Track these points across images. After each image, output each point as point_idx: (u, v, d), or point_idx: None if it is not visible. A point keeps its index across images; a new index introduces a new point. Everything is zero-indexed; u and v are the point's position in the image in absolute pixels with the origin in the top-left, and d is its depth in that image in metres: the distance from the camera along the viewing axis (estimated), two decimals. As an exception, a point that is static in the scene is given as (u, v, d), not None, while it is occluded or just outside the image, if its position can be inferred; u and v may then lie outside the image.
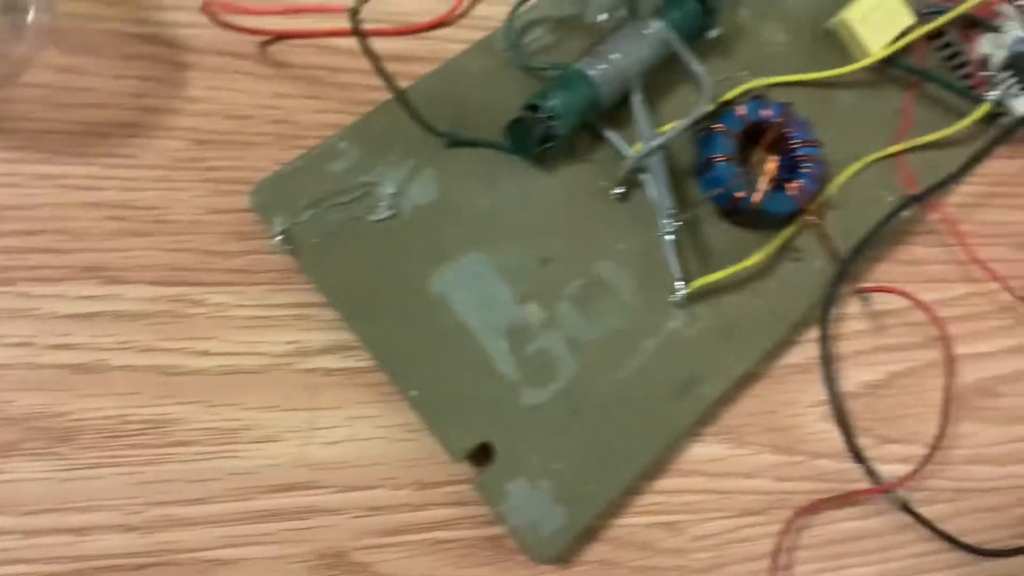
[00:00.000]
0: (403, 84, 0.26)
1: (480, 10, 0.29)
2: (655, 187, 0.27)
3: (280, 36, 0.27)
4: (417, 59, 0.28)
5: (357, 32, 0.22)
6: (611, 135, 0.28)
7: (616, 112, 0.28)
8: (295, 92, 0.27)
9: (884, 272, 0.31)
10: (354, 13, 0.22)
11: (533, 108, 0.26)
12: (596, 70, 0.27)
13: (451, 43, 0.28)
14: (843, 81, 0.31)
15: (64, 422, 0.23)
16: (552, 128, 0.26)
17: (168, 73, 0.26)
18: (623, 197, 0.28)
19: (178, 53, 0.26)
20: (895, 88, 0.32)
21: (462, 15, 0.29)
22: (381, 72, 0.24)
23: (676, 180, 0.29)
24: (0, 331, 0.23)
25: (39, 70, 0.25)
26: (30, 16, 0.24)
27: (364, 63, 0.24)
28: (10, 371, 0.23)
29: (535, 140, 0.26)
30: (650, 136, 0.27)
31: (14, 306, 0.23)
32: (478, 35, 0.28)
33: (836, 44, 0.32)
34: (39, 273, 0.24)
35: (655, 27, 0.28)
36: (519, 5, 0.28)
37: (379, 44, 0.27)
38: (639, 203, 0.28)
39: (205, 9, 0.25)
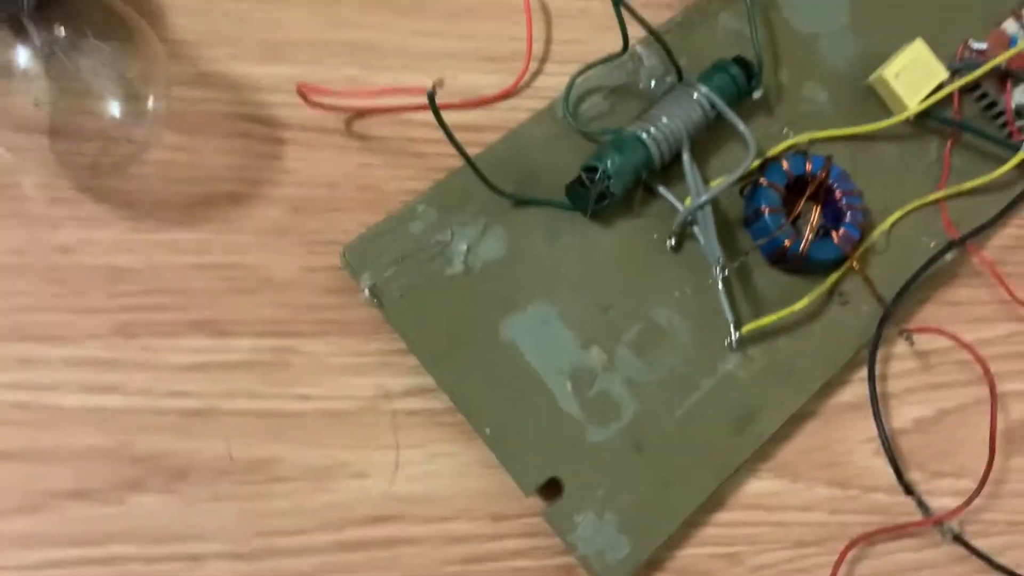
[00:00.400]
0: (474, 151, 0.29)
1: (541, 81, 0.32)
2: (705, 238, 0.29)
3: (364, 112, 0.30)
4: (487, 128, 0.31)
5: (435, 113, 0.25)
6: (664, 191, 0.30)
7: (668, 170, 0.30)
8: (378, 161, 0.30)
9: (929, 313, 0.33)
10: (431, 97, 0.24)
11: (591, 170, 0.29)
12: (648, 133, 0.29)
13: (517, 112, 0.31)
14: (883, 134, 0.33)
15: (180, 461, 0.26)
16: (608, 187, 0.28)
17: (266, 148, 0.29)
18: (677, 248, 0.30)
19: (275, 130, 0.30)
20: (934, 138, 0.34)
21: (525, 87, 0.32)
22: (453, 142, 0.27)
23: (727, 232, 0.31)
24: (125, 380, 0.26)
25: (155, 149, 0.28)
26: (149, 103, 0.27)
27: (439, 134, 0.27)
28: (134, 416, 0.26)
29: (593, 199, 0.29)
30: (699, 191, 0.29)
31: (136, 358, 0.26)
32: (541, 104, 0.31)
33: (875, 100, 0.34)
34: (157, 328, 0.27)
35: (701, 91, 0.30)
36: (575, 77, 0.31)
37: (452, 116, 0.30)
38: (692, 253, 0.30)
39: (299, 90, 0.28)
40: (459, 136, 0.27)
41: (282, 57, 0.30)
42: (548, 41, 0.33)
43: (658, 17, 0.33)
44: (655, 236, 0.30)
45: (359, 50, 0.31)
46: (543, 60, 0.33)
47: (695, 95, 0.30)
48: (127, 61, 0.27)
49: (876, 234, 0.32)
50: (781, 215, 0.30)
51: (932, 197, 0.33)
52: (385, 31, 0.31)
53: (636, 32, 0.30)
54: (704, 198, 0.29)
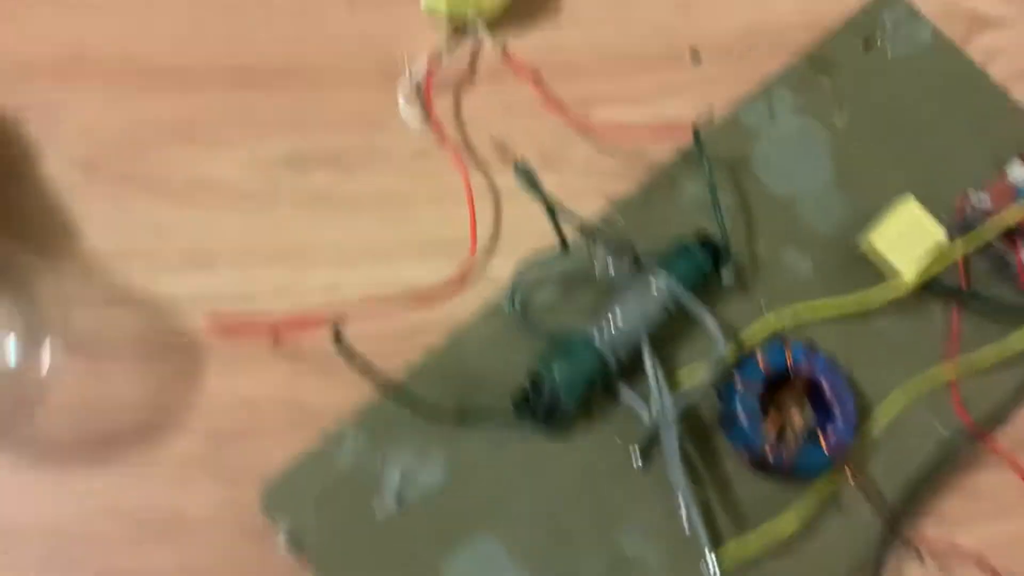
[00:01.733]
0: (414, 357, 0.26)
1: (489, 271, 0.29)
2: (668, 461, 0.26)
3: (291, 322, 0.28)
4: (429, 329, 0.28)
5: (344, 352, 0.22)
6: (626, 392, 0.27)
7: (630, 365, 0.27)
8: (305, 373, 0.27)
9: (942, 506, 0.28)
10: (337, 338, 0.22)
11: (539, 379, 0.26)
12: (601, 338, 0.26)
13: (463, 306, 0.28)
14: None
15: None
16: (559, 401, 0.25)
17: (183, 367, 0.27)
18: (644, 463, 0.26)
19: (193, 346, 0.27)
20: (938, 304, 0.30)
21: (471, 276, 0.29)
22: (372, 377, 0.24)
23: (701, 432, 0.27)
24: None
25: (57, 385, 0.26)
26: (47, 341, 0.25)
27: (371, 344, 0.24)
28: None
29: (541, 413, 0.26)
30: (664, 398, 0.26)
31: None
32: (488, 293, 0.28)
33: (868, 263, 0.30)
34: (56, 590, 0.24)
35: (662, 282, 0.27)
36: (520, 276, 0.28)
37: (389, 322, 0.28)
38: (663, 464, 0.26)
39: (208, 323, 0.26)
40: (398, 344, 0.25)
41: (205, 267, 0.28)
42: (496, 223, 0.30)
43: (620, 188, 0.30)
44: (618, 441, 0.27)
45: (291, 253, 0.29)
46: (491, 245, 0.30)
47: (654, 287, 0.27)
48: (19, 307, 0.25)
49: (875, 425, 0.28)
50: (759, 420, 0.26)
51: (940, 379, 0.29)
52: (319, 228, 0.29)
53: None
54: (668, 416, 0.25)
